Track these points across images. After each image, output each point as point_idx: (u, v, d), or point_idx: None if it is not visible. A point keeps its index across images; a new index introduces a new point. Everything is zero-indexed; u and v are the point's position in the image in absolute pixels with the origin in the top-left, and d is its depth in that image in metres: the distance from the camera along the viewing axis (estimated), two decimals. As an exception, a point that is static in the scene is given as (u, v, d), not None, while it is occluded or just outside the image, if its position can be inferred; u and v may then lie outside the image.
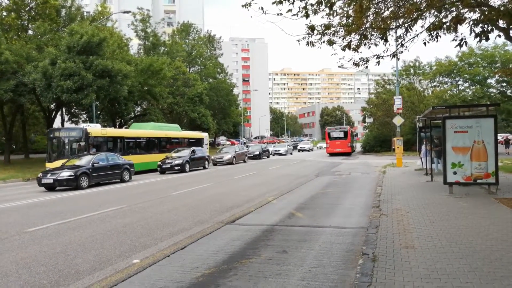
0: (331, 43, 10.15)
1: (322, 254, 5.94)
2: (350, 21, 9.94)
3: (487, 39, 9.02)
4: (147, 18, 44.46)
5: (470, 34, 8.90)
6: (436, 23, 9.27)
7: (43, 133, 39.98)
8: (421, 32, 10.00)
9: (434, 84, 45.13)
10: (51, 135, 21.56)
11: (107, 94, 26.70)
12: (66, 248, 6.83)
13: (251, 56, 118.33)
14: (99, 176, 17.44)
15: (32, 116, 38.55)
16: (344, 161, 31.02)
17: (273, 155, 42.59)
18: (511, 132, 60.15)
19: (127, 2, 59.41)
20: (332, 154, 40.05)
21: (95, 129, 21.99)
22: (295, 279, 4.89)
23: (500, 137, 40.87)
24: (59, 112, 33.97)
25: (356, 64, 10.90)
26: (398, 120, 23.65)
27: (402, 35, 10.45)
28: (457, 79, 42.79)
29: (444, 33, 9.46)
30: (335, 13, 9.81)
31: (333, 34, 10.21)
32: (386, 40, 9.91)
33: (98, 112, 34.27)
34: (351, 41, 10.12)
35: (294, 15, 9.29)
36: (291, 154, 45.49)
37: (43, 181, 16.03)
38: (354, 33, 10.00)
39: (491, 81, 40.30)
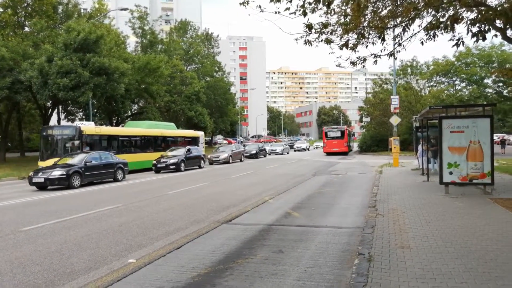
0: (328, 42, 10.15)
1: (318, 254, 5.94)
2: (348, 20, 9.94)
3: (484, 39, 9.03)
4: (144, 16, 44.34)
5: (467, 33, 8.93)
6: (433, 22, 9.29)
7: (39, 131, 39.81)
8: (418, 32, 10.02)
9: (431, 83, 45.24)
10: (44, 133, 21.24)
11: (103, 92, 26.59)
12: (61, 247, 6.79)
13: (249, 55, 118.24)
14: (91, 175, 17.17)
15: (28, 114, 38.35)
16: (341, 160, 31.06)
17: (270, 154, 42.63)
18: (507, 132, 60.45)
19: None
20: (329, 154, 40.27)
21: (89, 127, 21.76)
22: (291, 279, 4.88)
23: (496, 137, 41.04)
24: (56, 110, 33.81)
25: (353, 63, 10.91)
26: (395, 120, 23.69)
27: (399, 34, 10.45)
28: (454, 79, 42.91)
29: (442, 33, 9.47)
30: (332, 12, 9.81)
31: (331, 33, 10.22)
32: (383, 39, 9.91)
33: (95, 110, 34.14)
34: (348, 40, 10.13)
35: (292, 13, 9.27)
36: (287, 153, 45.53)
37: (34, 180, 15.75)
38: (351, 32, 10.01)
39: (488, 81, 40.44)
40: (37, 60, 24.90)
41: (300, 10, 9.27)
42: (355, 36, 10.18)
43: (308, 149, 55.52)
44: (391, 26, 10.40)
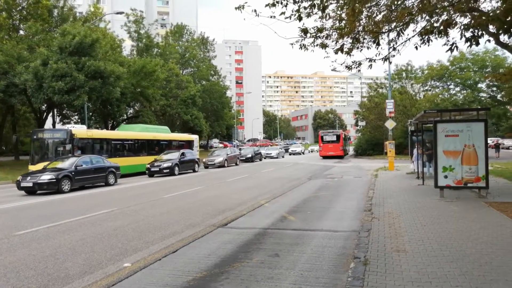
0: (324, 46, 10.20)
1: (314, 257, 5.93)
2: (343, 25, 10.00)
3: (477, 44, 9.11)
4: (140, 19, 44.34)
5: (461, 38, 9.00)
6: (427, 27, 9.36)
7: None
8: (413, 36, 10.09)
9: (426, 88, 45.61)
10: (35, 136, 20.83)
11: (99, 96, 26.53)
12: (55, 251, 6.74)
13: (245, 59, 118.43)
14: (82, 179, 16.84)
15: (23, 117, 38.17)
16: (336, 164, 31.13)
17: (265, 158, 42.64)
18: (501, 136, 60.85)
19: (120, 3, 59.16)
20: (325, 157, 40.68)
21: (80, 130, 21.52)
22: (287, 283, 4.88)
23: (490, 141, 41.32)
24: (51, 114, 33.66)
25: (348, 68, 10.96)
26: (390, 124, 23.80)
27: (394, 39, 10.50)
28: (448, 83, 43.29)
29: (436, 38, 9.54)
30: (328, 16, 9.87)
31: (326, 38, 10.26)
32: (378, 44, 9.97)
33: (90, 113, 34.03)
34: (343, 44, 10.17)
35: (287, 18, 9.31)
36: (282, 157, 45.58)
37: (23, 184, 15.36)
38: (346, 37, 10.06)
39: (482, 85, 40.83)
40: (32, 63, 24.82)
41: (295, 15, 9.32)
42: (350, 41, 10.23)
43: (303, 153, 55.61)
44: (386, 30, 10.46)
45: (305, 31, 9.76)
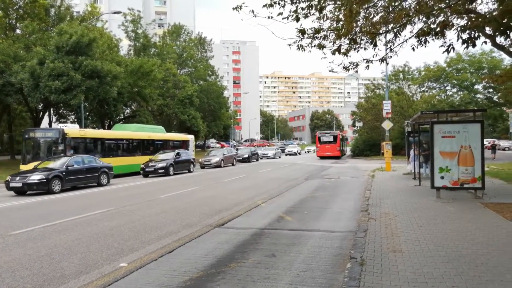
0: (321, 47, 10.22)
1: (311, 258, 5.94)
2: (340, 26, 10.02)
3: (474, 45, 9.17)
4: (137, 19, 44.27)
5: (458, 40, 9.06)
6: (424, 28, 9.40)
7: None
8: (410, 38, 10.13)
9: (423, 89, 45.78)
10: (26, 136, 20.46)
11: (96, 95, 26.45)
12: (51, 251, 6.72)
13: (242, 59, 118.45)
14: (73, 179, 16.55)
15: (19, 117, 38.00)
16: (333, 164, 31.17)
17: (262, 158, 42.65)
18: (497, 137, 61.14)
19: (117, 3, 59.05)
20: (322, 158, 40.98)
21: (73, 129, 21.20)
22: (283, 283, 4.88)
23: (486, 142, 41.52)
24: (47, 113, 33.55)
25: (346, 68, 11.00)
26: (387, 125, 23.85)
27: (391, 40, 10.56)
28: (445, 85, 43.45)
29: (433, 39, 9.59)
30: (325, 17, 9.88)
31: (324, 38, 10.29)
32: (375, 45, 10.01)
33: (87, 113, 33.91)
34: (341, 45, 10.21)
35: (284, 18, 9.33)
36: (279, 157, 45.61)
37: (12, 184, 15.03)
38: (344, 37, 10.09)
39: (478, 87, 41.00)
40: (29, 62, 24.73)
41: (292, 15, 9.34)
42: (347, 42, 10.26)
43: (299, 153, 55.63)
44: (383, 32, 10.50)
45: (302, 31, 9.78)
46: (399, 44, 10.52)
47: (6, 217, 10.22)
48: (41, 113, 32.86)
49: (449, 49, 9.17)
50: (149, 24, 48.35)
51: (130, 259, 6.14)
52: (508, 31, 9.25)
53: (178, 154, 24.72)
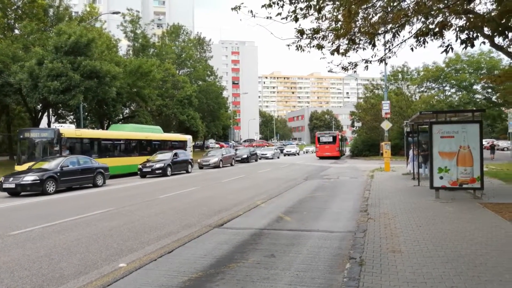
0: (320, 47, 10.22)
1: (310, 258, 5.94)
2: (339, 26, 10.03)
3: (472, 45, 9.17)
4: (136, 19, 44.27)
5: (456, 40, 9.05)
6: (423, 29, 9.41)
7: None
8: (408, 38, 10.14)
9: (422, 89, 45.80)
10: (21, 136, 20.19)
11: (95, 95, 26.44)
12: (50, 251, 6.71)
13: (241, 59, 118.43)
14: (68, 180, 16.36)
15: (18, 117, 37.95)
16: (332, 165, 31.19)
17: (260, 158, 42.67)
18: (496, 137, 61.20)
19: (116, 3, 59.00)
20: (321, 158, 41.24)
21: (69, 129, 20.98)
22: (283, 283, 4.88)
23: (485, 142, 41.59)
24: (46, 113, 33.51)
25: (344, 69, 10.99)
26: (386, 125, 23.87)
27: (390, 40, 10.57)
28: (444, 85, 43.49)
29: (431, 39, 9.59)
30: (324, 18, 9.88)
31: (322, 39, 10.28)
32: (374, 45, 10.00)
33: (86, 113, 33.91)
34: (339, 45, 10.20)
35: (283, 18, 9.32)
36: (278, 158, 45.63)
37: (5, 186, 14.81)
38: (342, 38, 10.09)
39: (477, 87, 41.03)
40: (27, 63, 24.71)
41: (291, 16, 9.33)
42: (346, 42, 10.26)
43: (297, 154, 55.65)
44: (382, 32, 10.50)
45: (301, 32, 9.78)
46: (398, 45, 10.53)
47: (4, 218, 10.20)
48: (40, 113, 32.82)
49: (448, 50, 9.16)
50: (148, 24, 48.36)
51: (129, 260, 6.14)
52: (506, 32, 9.26)
53: (175, 154, 24.56)
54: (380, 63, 10.87)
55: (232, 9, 9.11)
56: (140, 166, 23.00)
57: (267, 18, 9.30)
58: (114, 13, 30.28)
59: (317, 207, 10.78)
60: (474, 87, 41.20)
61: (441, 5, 8.99)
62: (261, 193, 13.96)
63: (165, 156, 24.04)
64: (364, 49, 10.69)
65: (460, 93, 42.06)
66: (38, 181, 14.90)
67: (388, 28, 10.13)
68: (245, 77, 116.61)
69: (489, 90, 39.40)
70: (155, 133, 29.84)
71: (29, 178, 14.85)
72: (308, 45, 10.31)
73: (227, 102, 66.01)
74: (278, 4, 9.23)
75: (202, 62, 61.20)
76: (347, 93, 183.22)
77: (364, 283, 4.66)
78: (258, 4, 9.73)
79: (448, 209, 9.23)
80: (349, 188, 15.22)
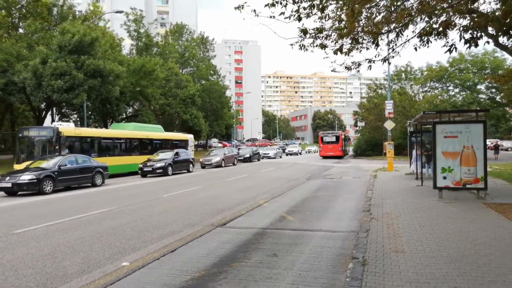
0: (323, 46, 10.20)
1: (313, 257, 5.94)
2: (342, 25, 10.01)
3: (476, 45, 9.13)
4: (140, 19, 44.33)
5: (460, 40, 9.03)
6: (427, 28, 9.38)
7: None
8: (412, 37, 10.10)
9: (425, 89, 45.73)
10: (20, 135, 20.00)
11: (98, 94, 26.51)
12: (54, 250, 6.74)
13: (244, 59, 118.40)
14: (66, 179, 16.11)
15: (22, 116, 38.13)
16: (335, 164, 31.14)
17: (262, 158, 42.67)
18: (500, 137, 60.95)
19: (119, 2, 59.12)
20: (325, 157, 41.31)
21: (68, 128, 20.76)
22: (285, 283, 4.88)
23: (489, 142, 41.40)
24: (50, 112, 33.64)
25: (348, 68, 10.97)
26: (389, 125, 23.81)
27: (393, 39, 10.53)
28: (447, 85, 43.40)
29: (435, 39, 9.56)
30: (327, 17, 9.87)
31: (326, 38, 10.27)
32: (377, 45, 9.98)
33: (89, 112, 34.00)
34: (343, 45, 10.18)
35: (286, 18, 9.32)
36: (280, 157, 45.61)
37: (1, 185, 14.52)
38: (346, 37, 10.06)
39: (481, 87, 40.91)
40: (31, 61, 24.81)
41: (294, 15, 9.33)
42: (350, 41, 10.24)
43: (300, 153, 55.55)
44: (385, 31, 10.47)
45: (304, 31, 9.76)
46: (401, 44, 10.49)
47: (8, 216, 10.25)
48: (44, 112, 32.95)
49: (452, 49, 9.14)
50: (151, 23, 48.37)
51: (133, 258, 6.16)
52: (510, 31, 9.23)
53: (177, 153, 24.38)
54: (383, 63, 10.83)
55: (235, 8, 9.11)
56: (141, 166, 22.81)
57: (270, 17, 9.30)
58: (117, 12, 30.34)
59: (319, 206, 10.77)
60: (478, 87, 41.07)
61: (445, 5, 8.95)
62: (264, 193, 13.96)
63: (166, 155, 23.87)
64: (367, 48, 10.67)
65: (464, 93, 41.94)
66: (35, 180, 14.69)
67: (392, 27, 10.10)
68: (248, 76, 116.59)
69: (493, 90, 39.27)
70: (156, 132, 29.65)
71: (25, 177, 14.62)
72: (311, 45, 10.30)
73: (230, 102, 66.07)
74: (281, 3, 9.23)
75: (205, 61, 61.27)
76: (350, 92, 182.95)
77: (367, 283, 4.65)
78: (261, 3, 9.73)
79: (452, 209, 9.20)
80: (352, 188, 15.20)
